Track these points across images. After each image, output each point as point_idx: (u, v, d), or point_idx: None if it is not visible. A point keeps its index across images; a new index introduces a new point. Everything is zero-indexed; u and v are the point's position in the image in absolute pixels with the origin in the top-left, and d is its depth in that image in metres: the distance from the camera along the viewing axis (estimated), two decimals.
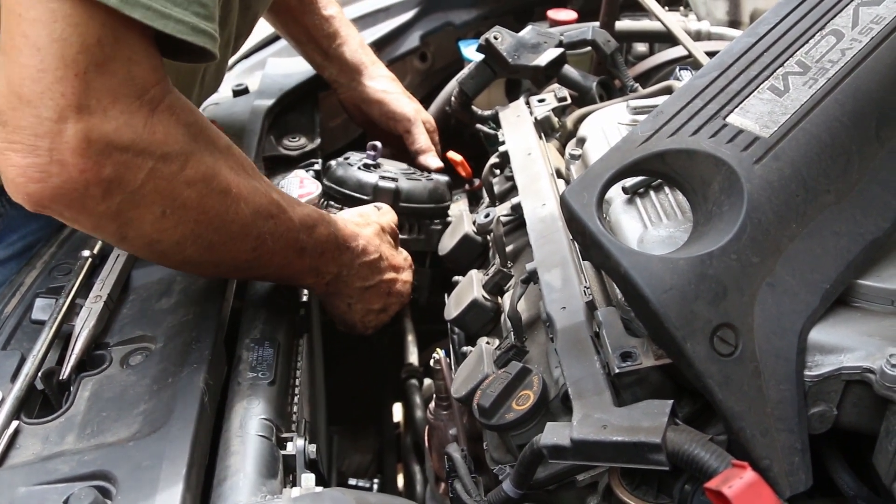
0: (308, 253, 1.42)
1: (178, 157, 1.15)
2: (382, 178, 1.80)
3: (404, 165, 1.93)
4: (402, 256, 1.68)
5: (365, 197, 1.80)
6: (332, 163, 1.86)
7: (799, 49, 1.23)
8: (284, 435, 1.22)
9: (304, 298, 1.58)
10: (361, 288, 1.58)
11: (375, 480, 1.87)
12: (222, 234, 1.25)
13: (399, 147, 2.09)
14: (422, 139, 2.05)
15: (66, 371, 1.27)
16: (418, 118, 2.07)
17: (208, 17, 1.14)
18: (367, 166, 1.83)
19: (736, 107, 1.18)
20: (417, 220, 1.84)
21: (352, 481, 1.77)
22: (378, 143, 1.85)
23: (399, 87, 2.09)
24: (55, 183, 1.07)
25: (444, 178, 1.91)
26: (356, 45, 2.06)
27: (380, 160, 1.86)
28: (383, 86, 2.06)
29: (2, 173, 1.09)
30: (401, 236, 1.80)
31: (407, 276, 1.68)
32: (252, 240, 1.30)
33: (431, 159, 2.04)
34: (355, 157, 1.86)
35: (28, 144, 1.05)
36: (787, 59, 1.22)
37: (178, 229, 1.19)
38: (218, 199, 1.22)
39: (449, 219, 1.91)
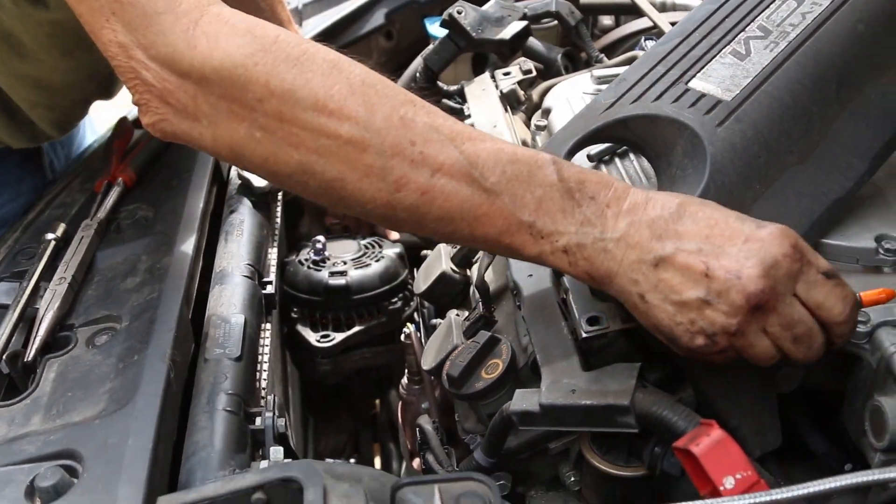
0: (501, 195, 1.02)
1: (235, 72, 1.03)
2: (332, 273, 1.80)
3: (354, 247, 1.92)
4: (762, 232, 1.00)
5: (317, 298, 1.81)
6: (286, 261, 1.87)
7: (760, 13, 1.24)
8: (253, 410, 1.21)
9: (272, 277, 1.57)
10: (640, 263, 1.01)
11: (352, 460, 1.86)
12: (332, 160, 1.03)
13: None
14: None
15: (30, 353, 1.25)
16: None
17: None
18: (315, 263, 1.83)
19: (698, 71, 1.19)
20: (375, 305, 1.84)
21: (328, 461, 1.76)
22: (322, 238, 1.85)
23: None
24: (154, 112, 1.09)
25: (396, 251, 1.90)
26: None
27: (327, 251, 1.86)
28: None
29: None
30: (361, 325, 1.82)
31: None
32: (381, 171, 1.02)
33: (390, 231, 2.03)
34: (304, 255, 1.86)
35: (132, 87, 1.09)
36: (749, 24, 1.23)
37: (280, 155, 1.04)
38: (309, 116, 1.02)
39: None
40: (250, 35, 1.04)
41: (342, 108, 1.02)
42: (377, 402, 2.20)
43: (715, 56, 1.20)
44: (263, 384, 1.32)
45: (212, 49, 1.03)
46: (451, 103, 1.92)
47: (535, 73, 1.83)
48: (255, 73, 1.02)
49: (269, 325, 1.47)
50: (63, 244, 1.47)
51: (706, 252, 0.98)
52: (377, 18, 2.44)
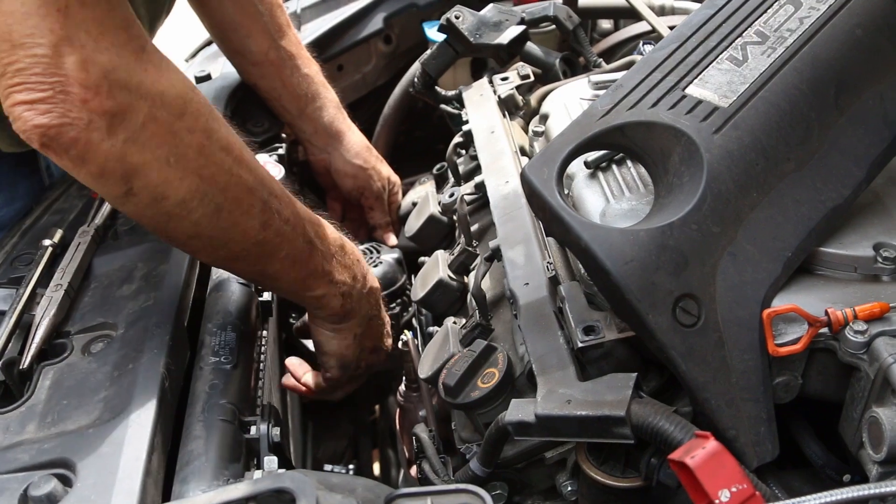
0: (318, 249, 1.39)
1: (175, 100, 1.14)
2: None
3: None
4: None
5: None
6: None
7: (757, 19, 1.22)
8: (248, 419, 1.21)
9: None
10: (368, 317, 1.56)
11: (351, 466, 1.86)
12: (228, 195, 1.21)
13: (360, 215, 2.12)
14: (382, 216, 2.10)
15: (26, 360, 1.25)
16: (384, 196, 2.09)
17: None
18: None
19: (695, 78, 1.17)
20: None
21: (327, 467, 1.76)
22: None
23: (373, 157, 2.07)
24: (60, 113, 1.04)
25: (394, 256, 1.91)
26: (334, 110, 2.01)
27: None
28: (359, 159, 2.03)
29: (10, 115, 1.06)
30: None
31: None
32: (259, 211, 1.26)
33: (388, 236, 2.09)
34: None
35: (32, 83, 1.03)
36: (746, 29, 1.22)
37: (183, 182, 1.15)
38: (221, 155, 1.20)
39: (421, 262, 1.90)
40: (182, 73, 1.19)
41: (241, 155, 1.24)
42: (377, 407, 2.19)
43: (712, 62, 1.19)
44: (259, 392, 1.31)
45: (161, 75, 1.14)
46: (448, 108, 1.92)
47: (532, 78, 1.82)
48: (195, 106, 1.17)
49: (266, 333, 1.46)
50: (60, 250, 1.47)
51: (383, 324, 1.62)
52: (376, 22, 2.43)
